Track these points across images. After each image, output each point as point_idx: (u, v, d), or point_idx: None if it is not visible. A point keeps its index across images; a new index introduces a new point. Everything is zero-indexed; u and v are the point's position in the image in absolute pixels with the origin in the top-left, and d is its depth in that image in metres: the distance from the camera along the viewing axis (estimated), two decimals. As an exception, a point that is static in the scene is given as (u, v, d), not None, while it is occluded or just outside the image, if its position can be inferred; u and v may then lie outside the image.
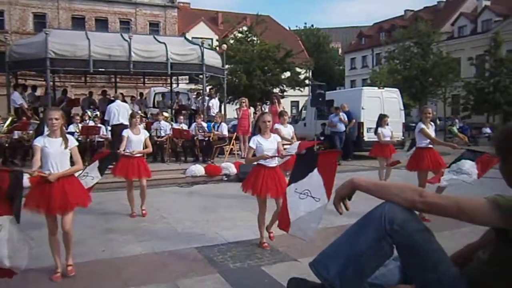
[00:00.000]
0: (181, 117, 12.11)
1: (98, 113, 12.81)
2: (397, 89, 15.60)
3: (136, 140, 6.25)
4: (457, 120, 23.66)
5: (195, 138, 11.29)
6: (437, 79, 26.02)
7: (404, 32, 29.34)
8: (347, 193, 1.79)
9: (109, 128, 10.68)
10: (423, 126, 6.32)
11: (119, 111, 10.35)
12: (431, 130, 6.37)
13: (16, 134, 10.43)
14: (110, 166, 5.97)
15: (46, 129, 4.12)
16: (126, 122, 8.21)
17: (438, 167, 6.26)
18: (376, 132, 8.50)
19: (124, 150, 6.18)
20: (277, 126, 7.27)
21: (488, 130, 23.22)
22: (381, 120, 8.48)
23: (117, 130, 9.15)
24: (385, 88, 15.57)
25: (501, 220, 1.46)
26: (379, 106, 13.71)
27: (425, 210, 1.61)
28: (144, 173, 6.33)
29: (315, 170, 3.49)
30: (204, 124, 11.55)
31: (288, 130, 7.34)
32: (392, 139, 8.47)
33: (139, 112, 11.87)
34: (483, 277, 1.58)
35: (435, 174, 6.26)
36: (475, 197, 1.54)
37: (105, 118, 10.87)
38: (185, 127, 11.64)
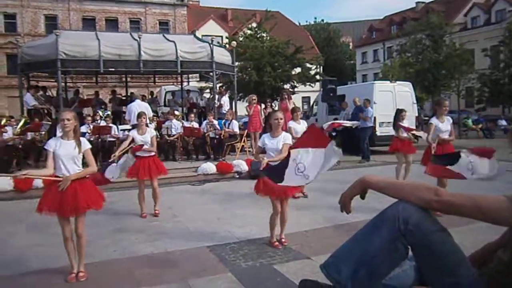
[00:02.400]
0: (192, 115, 12.10)
1: (109, 112, 12.87)
2: (409, 83, 15.37)
3: (140, 141, 6.21)
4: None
5: (206, 136, 11.28)
6: (450, 72, 25.59)
7: (416, 24, 28.91)
8: (358, 192, 1.72)
9: (131, 127, 10.70)
10: (431, 121, 6.21)
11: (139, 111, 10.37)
12: (446, 124, 6.22)
13: (29, 135, 10.53)
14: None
15: (59, 130, 4.10)
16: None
17: None
18: (395, 128, 8.22)
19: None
20: (290, 124, 7.20)
21: (504, 122, 22.84)
22: (399, 115, 8.24)
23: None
24: (397, 82, 15.35)
25: None
26: (391, 100, 13.52)
27: (441, 210, 1.53)
28: (156, 172, 6.29)
29: (322, 150, 3.63)
30: (215, 122, 11.52)
31: (302, 126, 7.25)
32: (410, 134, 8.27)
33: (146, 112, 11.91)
34: (504, 278, 1.50)
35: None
36: (493, 195, 1.46)
37: (126, 118, 10.96)
38: (196, 125, 11.63)
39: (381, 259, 1.57)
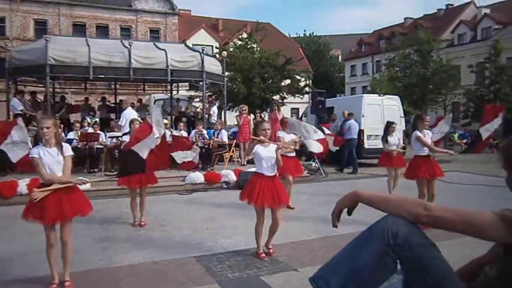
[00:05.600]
0: (181, 124, 12.07)
1: (97, 119, 12.77)
2: (397, 97, 15.58)
3: None
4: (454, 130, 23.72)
5: (195, 145, 11.23)
6: (437, 87, 26.07)
7: (404, 39, 29.43)
8: (349, 205, 1.73)
9: (121, 134, 10.51)
10: (419, 134, 6.29)
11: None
12: (427, 138, 6.35)
13: (15, 141, 10.36)
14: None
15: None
16: None
17: (434, 175, 6.23)
18: (386, 140, 8.26)
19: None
20: (279, 133, 7.26)
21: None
22: (389, 127, 8.30)
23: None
24: (386, 96, 15.55)
25: (511, 236, 1.41)
26: (379, 114, 13.68)
27: (429, 224, 1.55)
28: (147, 181, 6.21)
29: None
30: (204, 131, 11.51)
31: (291, 136, 7.29)
32: (399, 147, 8.34)
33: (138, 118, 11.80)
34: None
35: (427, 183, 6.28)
36: (482, 211, 1.48)
37: (120, 123, 10.73)
38: (185, 134, 11.58)
39: (370, 273, 1.58)
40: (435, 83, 25.87)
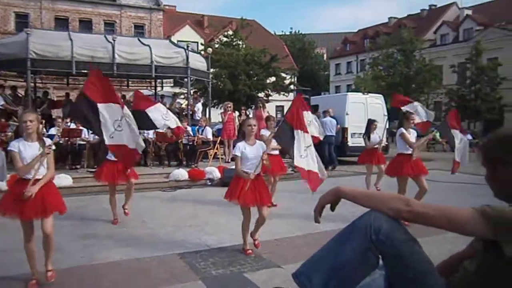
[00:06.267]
0: (165, 120, 11.95)
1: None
2: (381, 95, 15.74)
3: None
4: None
5: (179, 142, 11.18)
6: (420, 86, 26.43)
7: (388, 39, 29.75)
8: (331, 201, 1.74)
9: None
10: (403, 131, 6.36)
11: None
12: (412, 137, 6.42)
13: (-6, 136, 10.18)
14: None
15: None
16: None
17: (419, 173, 6.31)
18: (369, 138, 8.33)
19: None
20: (263, 132, 7.22)
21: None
22: (370, 125, 8.37)
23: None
24: (369, 94, 15.69)
25: (490, 232, 1.43)
26: (363, 112, 13.80)
27: (411, 220, 1.57)
28: (131, 175, 6.17)
29: (294, 131, 4.63)
30: (189, 128, 11.44)
31: None
32: (381, 145, 8.42)
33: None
34: (470, 288, 1.55)
35: (415, 181, 6.32)
36: (462, 207, 1.51)
37: None
38: (169, 130, 11.50)
39: (352, 269, 1.60)
40: (417, 82, 26.24)
